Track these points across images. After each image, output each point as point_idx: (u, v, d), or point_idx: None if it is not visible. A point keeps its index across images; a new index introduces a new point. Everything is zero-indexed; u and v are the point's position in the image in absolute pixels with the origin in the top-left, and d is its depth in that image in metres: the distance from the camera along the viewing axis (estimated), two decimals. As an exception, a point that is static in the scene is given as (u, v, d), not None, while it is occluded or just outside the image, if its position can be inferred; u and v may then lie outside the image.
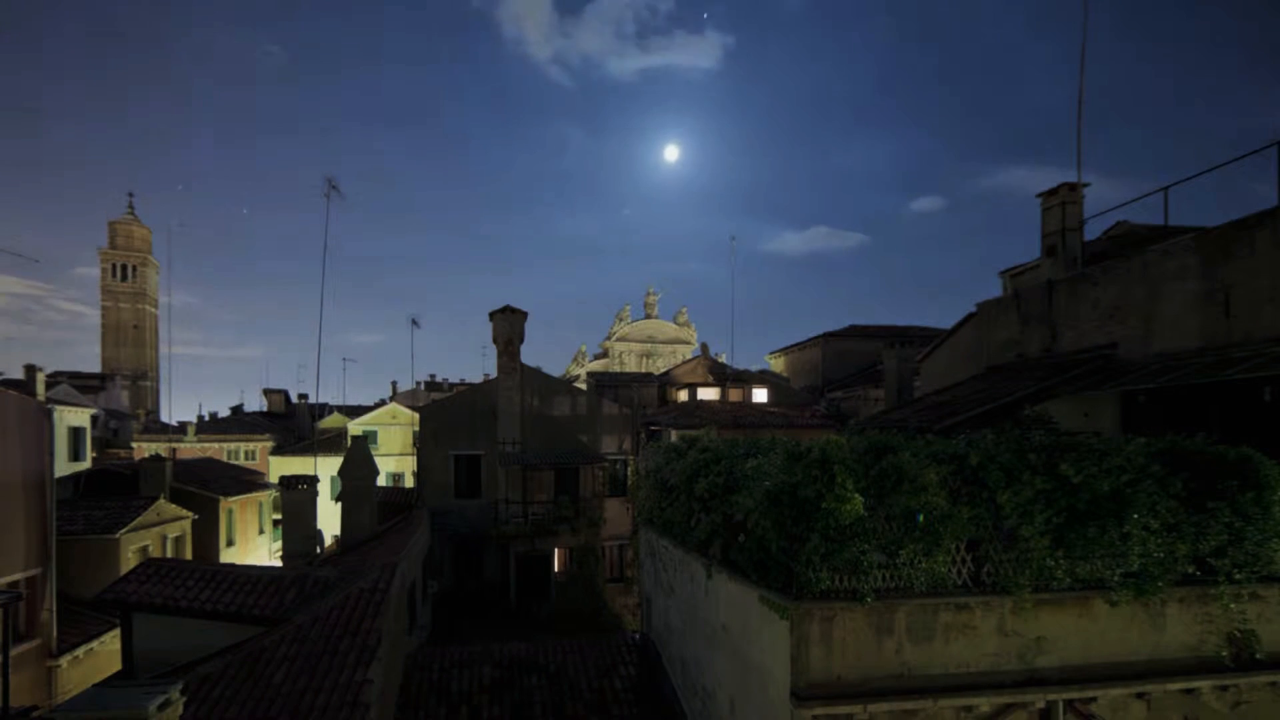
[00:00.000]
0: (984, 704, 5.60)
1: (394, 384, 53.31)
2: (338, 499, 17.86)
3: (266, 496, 30.54)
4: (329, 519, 20.59)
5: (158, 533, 19.94)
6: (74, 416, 32.18)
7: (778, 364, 35.44)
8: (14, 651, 10.87)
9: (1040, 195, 12.71)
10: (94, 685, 6.01)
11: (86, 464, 31.49)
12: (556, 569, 21.82)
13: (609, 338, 63.24)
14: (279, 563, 20.43)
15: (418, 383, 52.38)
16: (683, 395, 28.15)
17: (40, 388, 35.10)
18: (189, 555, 22.16)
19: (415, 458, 24.80)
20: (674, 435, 19.95)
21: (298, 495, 16.62)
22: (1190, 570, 5.84)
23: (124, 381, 64.30)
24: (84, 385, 47.72)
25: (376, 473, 18.31)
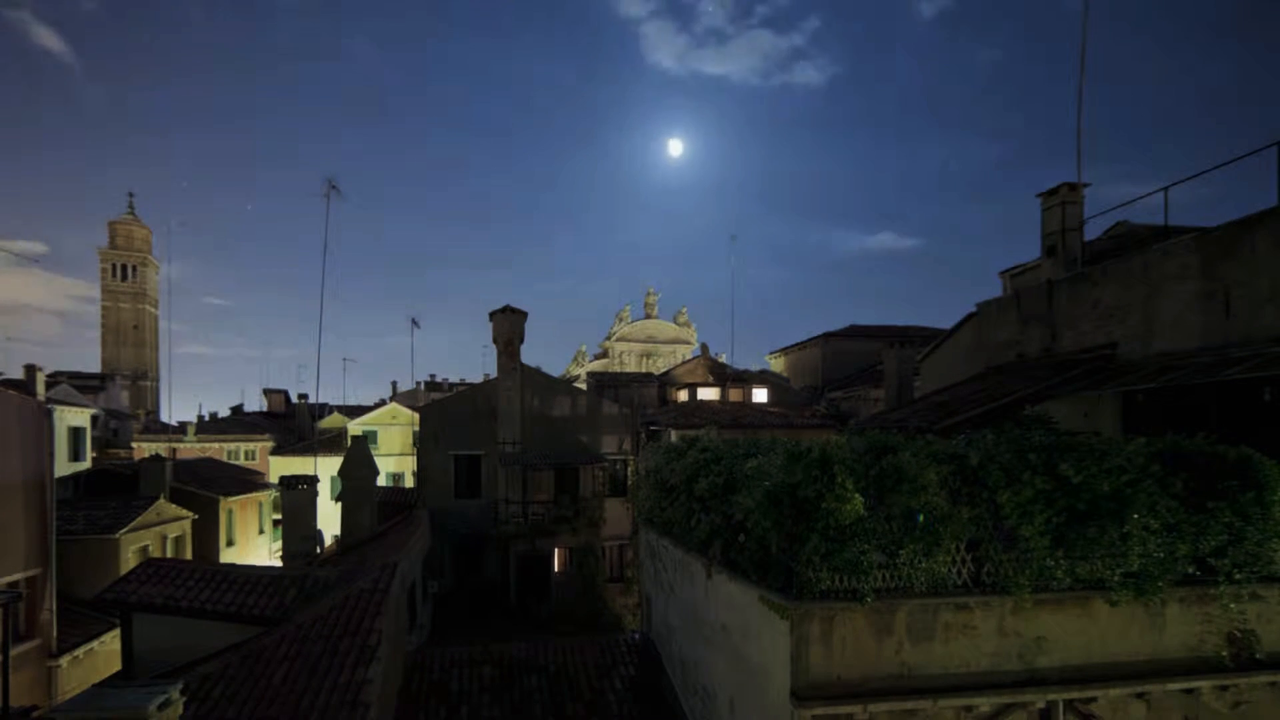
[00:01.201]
0: (984, 704, 5.60)
1: (394, 384, 53.40)
2: (338, 499, 17.88)
3: (266, 496, 30.54)
4: (329, 519, 20.61)
5: (158, 533, 19.95)
6: (74, 416, 32.20)
7: (778, 364, 35.45)
8: (14, 651, 10.86)
9: (1040, 195, 12.71)
10: (94, 685, 6.02)
11: (86, 464, 31.50)
12: (556, 569, 21.82)
13: (609, 338, 63.26)
14: (279, 563, 20.44)
15: (418, 383, 52.39)
16: (683, 395, 28.15)
17: (40, 388, 35.08)
18: (189, 555, 22.17)
19: (415, 458, 24.81)
20: (674, 435, 19.96)
21: (298, 495, 16.63)
22: (1190, 570, 5.84)
23: (124, 381, 64.31)
24: (84, 385, 47.68)
25: (376, 473, 18.32)
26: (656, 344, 63.30)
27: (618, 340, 62.55)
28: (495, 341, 22.43)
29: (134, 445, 42.11)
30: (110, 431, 44.73)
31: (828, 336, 30.61)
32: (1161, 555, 5.71)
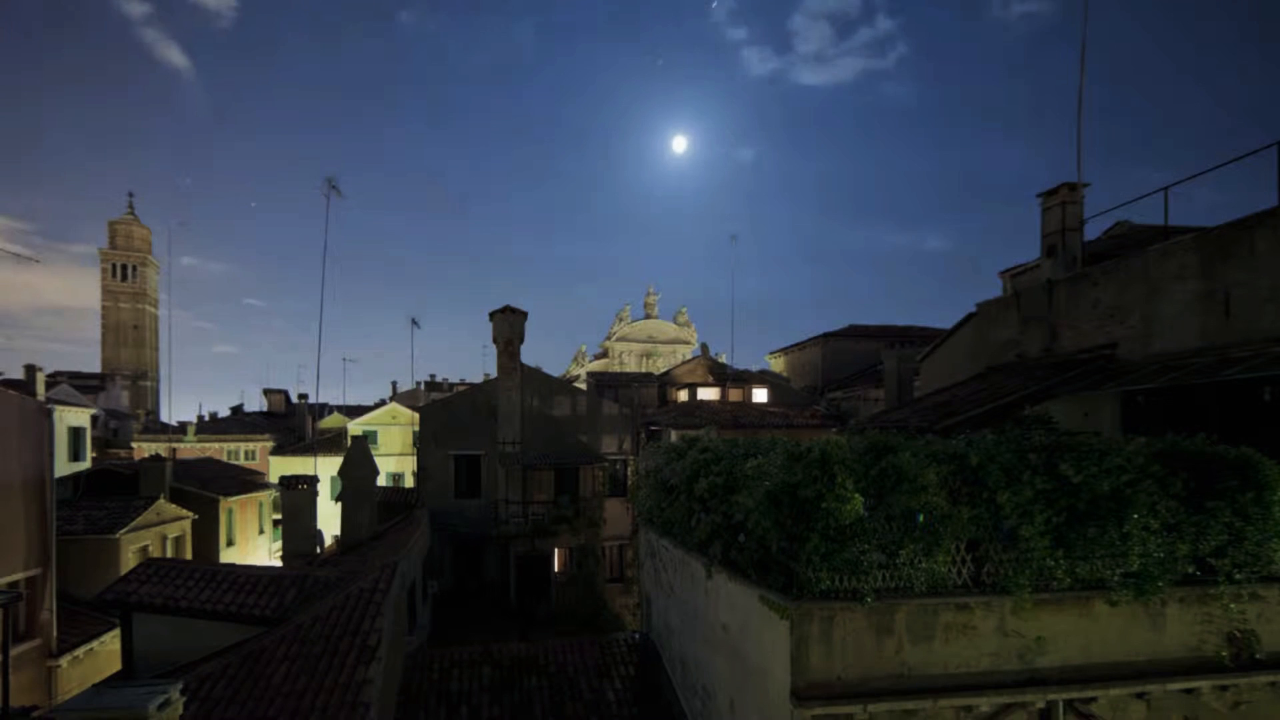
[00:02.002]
0: (984, 704, 5.60)
1: (394, 384, 53.41)
2: (338, 499, 17.85)
3: (266, 496, 30.53)
4: (329, 519, 20.59)
5: (158, 533, 19.95)
6: (74, 416, 32.18)
7: (778, 364, 35.43)
8: (14, 651, 10.87)
9: (1040, 195, 12.70)
10: (94, 685, 6.01)
11: (86, 464, 31.49)
12: (556, 569, 21.81)
13: (609, 338, 63.28)
14: (279, 563, 20.42)
15: (418, 383, 52.37)
16: (683, 395, 28.15)
17: (40, 388, 35.11)
18: (189, 555, 22.17)
19: (415, 458, 24.80)
20: (674, 435, 19.96)
21: (298, 495, 16.63)
22: (1190, 570, 5.84)
23: (124, 381, 64.29)
24: (84, 385, 47.73)
25: (376, 472, 18.30)
26: (656, 344, 63.33)
27: (618, 340, 62.57)
28: (496, 341, 22.40)
29: (134, 445, 42.11)
30: (110, 431, 44.72)
31: (827, 337, 30.60)
32: (1161, 555, 5.71)
